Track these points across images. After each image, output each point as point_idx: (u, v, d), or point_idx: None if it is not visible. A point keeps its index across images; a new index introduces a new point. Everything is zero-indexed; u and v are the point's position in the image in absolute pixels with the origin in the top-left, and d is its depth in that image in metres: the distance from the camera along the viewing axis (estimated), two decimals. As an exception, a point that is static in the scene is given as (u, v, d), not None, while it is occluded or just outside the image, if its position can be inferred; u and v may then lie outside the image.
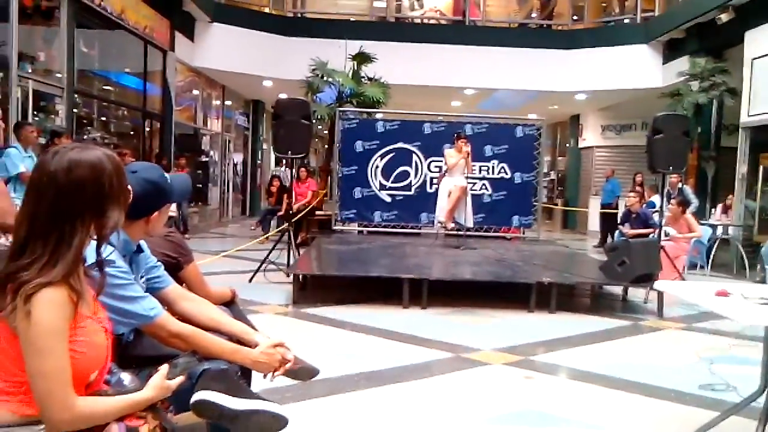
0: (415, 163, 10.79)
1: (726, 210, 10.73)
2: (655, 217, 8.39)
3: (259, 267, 7.55)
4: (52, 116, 8.51)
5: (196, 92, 15.03)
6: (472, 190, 9.79)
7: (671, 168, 7.36)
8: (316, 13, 16.79)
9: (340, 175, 10.79)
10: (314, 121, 11.97)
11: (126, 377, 1.72)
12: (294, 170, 10.01)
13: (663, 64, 13.53)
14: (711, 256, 9.20)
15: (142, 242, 2.19)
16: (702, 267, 8.96)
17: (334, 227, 10.74)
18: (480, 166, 10.60)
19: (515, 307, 6.45)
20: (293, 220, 8.82)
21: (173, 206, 11.04)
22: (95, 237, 1.54)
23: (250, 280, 7.43)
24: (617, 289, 7.48)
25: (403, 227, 10.75)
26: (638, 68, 13.74)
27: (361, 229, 10.94)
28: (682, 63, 12.10)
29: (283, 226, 9.02)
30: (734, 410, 3.25)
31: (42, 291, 1.41)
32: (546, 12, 18.19)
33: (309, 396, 3.73)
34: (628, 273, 6.45)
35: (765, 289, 3.07)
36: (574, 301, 7.18)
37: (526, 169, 10.77)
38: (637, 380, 4.28)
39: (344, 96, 12.08)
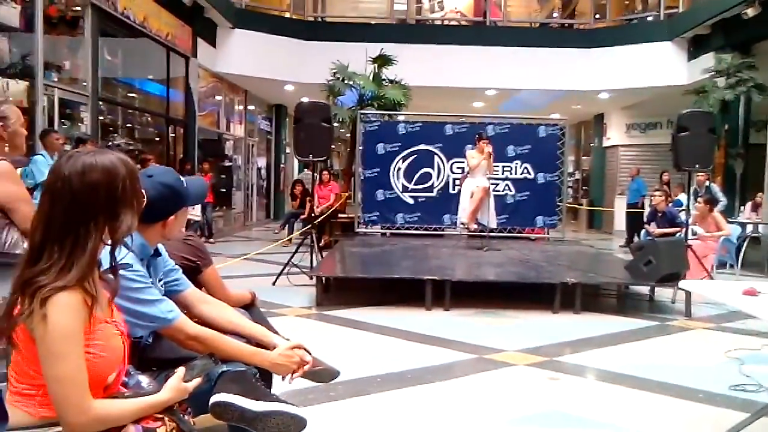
0: (437, 164, 10.75)
1: (755, 208, 10.53)
2: (682, 215, 8.26)
3: (283, 270, 7.57)
4: (78, 123, 8.63)
5: (218, 98, 15.16)
6: (495, 190, 9.74)
7: (697, 166, 7.25)
8: (337, 17, 16.84)
9: (362, 178, 10.78)
10: (336, 124, 12.04)
11: (144, 380, 1.73)
12: (316, 173, 10.03)
13: (688, 61, 13.33)
14: (741, 255, 9.02)
15: (160, 246, 2.19)
16: (732, 266, 8.78)
17: (357, 230, 10.74)
18: (503, 167, 10.53)
19: (539, 308, 6.39)
20: (315, 223, 8.84)
21: (198, 210, 11.22)
22: (109, 241, 1.54)
23: (274, 283, 7.46)
24: (644, 289, 7.37)
25: (425, 229, 10.71)
26: (662, 66, 13.55)
27: (383, 231, 10.91)
28: (708, 59, 11.92)
29: (305, 229, 9.03)
30: (766, 411, 3.17)
31: (57, 295, 1.42)
32: (567, 11, 18.06)
33: (332, 398, 3.72)
34: (654, 273, 6.35)
35: (795, 287, 3.00)
36: (599, 302, 7.09)
37: (550, 169, 10.67)
38: (664, 381, 4.21)
39: (365, 99, 12.09)
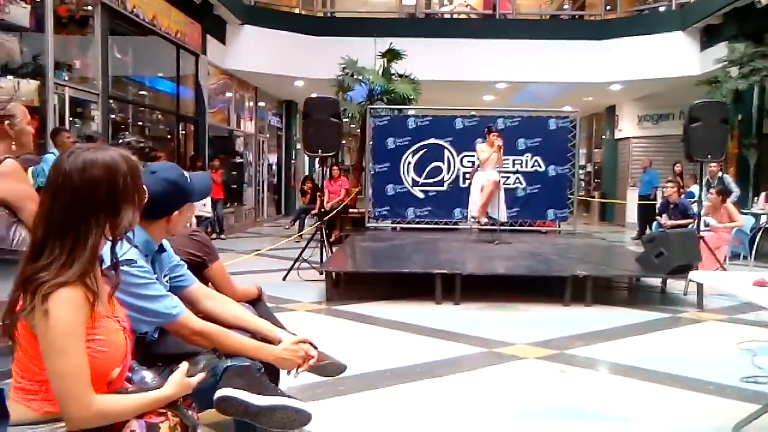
0: (448, 158, 10.73)
1: (769, 198, 10.43)
2: (694, 207, 8.20)
3: (293, 265, 7.59)
4: (89, 122, 8.68)
5: (228, 94, 15.20)
6: (505, 184, 9.71)
7: (709, 156, 7.20)
8: (346, 12, 16.83)
9: (372, 173, 10.78)
10: (346, 119, 12.03)
11: (148, 375, 1.74)
12: (326, 169, 10.04)
13: (700, 51, 13.19)
14: (754, 246, 8.93)
15: (165, 242, 2.20)
16: (745, 257, 8.70)
17: (368, 224, 10.75)
18: (513, 160, 10.49)
19: (550, 301, 6.37)
20: (326, 218, 8.85)
21: (209, 207, 11.26)
22: (110, 237, 1.54)
23: (284, 278, 7.48)
24: (656, 281, 7.32)
25: (436, 223, 10.70)
26: (675, 56, 13.43)
27: (394, 225, 10.91)
28: (720, 49, 11.78)
29: (315, 224, 9.05)
30: (776, 403, 3.15)
31: (59, 291, 1.43)
32: (578, 3, 17.93)
33: (341, 392, 3.73)
34: (665, 264, 6.31)
35: (805, 278, 2.97)
36: (610, 294, 7.05)
37: (561, 161, 10.62)
38: (676, 373, 4.18)
39: (375, 93, 12.08)
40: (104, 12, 8.65)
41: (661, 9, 15.04)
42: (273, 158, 18.69)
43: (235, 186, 15.38)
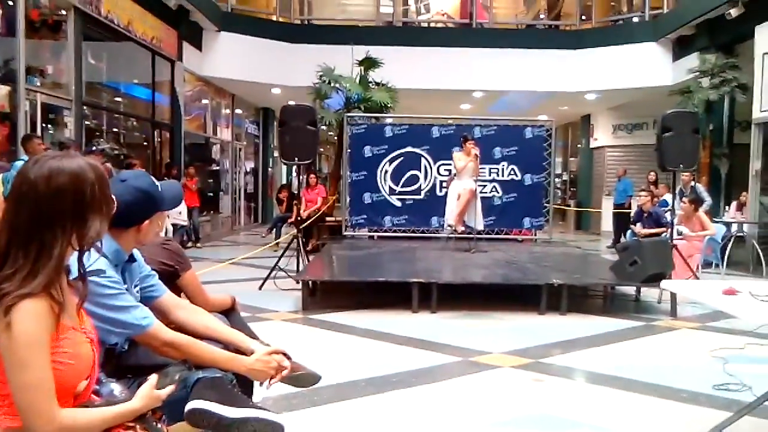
0: (425, 166, 10.75)
1: (740, 207, 10.60)
2: (668, 215, 8.29)
3: (269, 274, 7.54)
4: (62, 128, 8.56)
5: (205, 101, 15.09)
6: (482, 192, 9.74)
7: (682, 166, 7.29)
8: (323, 19, 16.82)
9: (349, 181, 10.76)
10: (323, 127, 12.00)
11: (116, 388, 1.70)
12: (302, 177, 10.00)
13: (673, 61, 13.40)
14: (726, 255, 9.07)
15: (136, 251, 2.17)
16: (717, 265, 8.83)
17: (345, 233, 10.72)
18: (489, 169, 10.54)
19: (526, 310, 6.40)
20: (302, 227, 8.81)
21: (184, 215, 11.16)
22: (76, 247, 1.51)
23: (260, 288, 7.43)
24: (630, 290, 7.39)
25: (413, 231, 10.70)
26: (648, 66, 13.63)
27: (371, 234, 10.90)
28: (692, 60, 11.98)
29: (292, 232, 9.00)
30: (747, 410, 3.18)
31: (22, 302, 1.39)
32: (553, 13, 18.11)
33: (315, 403, 3.70)
34: (639, 273, 6.37)
35: (775, 286, 3.01)
36: (586, 303, 7.10)
37: (537, 170, 10.68)
38: (649, 381, 4.22)
39: (352, 101, 12.07)
40: (78, 17, 8.55)
41: (635, 20, 15.26)
42: (250, 166, 18.59)
43: (212, 194, 15.26)
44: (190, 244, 11.94)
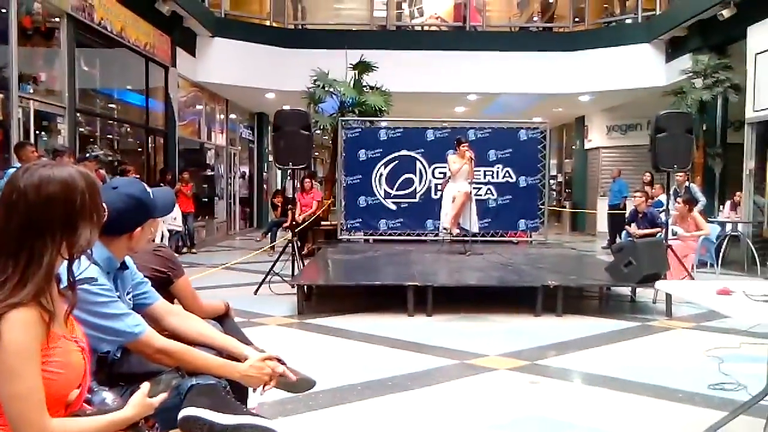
0: (419, 170, 10.75)
1: (734, 207, 10.63)
2: (662, 216, 8.31)
3: (264, 279, 7.52)
4: (56, 135, 8.55)
5: (199, 107, 15.08)
6: (476, 195, 9.75)
7: (676, 166, 7.30)
8: (317, 24, 16.86)
9: (344, 185, 10.76)
10: (318, 131, 12.00)
11: (109, 396, 1.69)
12: (296, 181, 10.00)
13: (666, 62, 13.46)
14: (721, 254, 9.10)
15: (128, 259, 2.16)
16: (712, 265, 8.85)
17: (340, 237, 10.72)
18: (484, 171, 10.54)
19: (522, 312, 6.39)
20: (297, 231, 8.81)
21: (179, 221, 11.14)
22: (66, 256, 1.51)
23: (256, 292, 7.42)
24: (626, 291, 7.41)
25: (408, 235, 10.71)
26: (641, 67, 13.68)
27: (366, 237, 10.90)
28: (685, 61, 12.04)
29: (287, 237, 9.00)
30: (741, 410, 3.19)
31: (11, 312, 1.38)
32: (547, 15, 18.17)
33: (311, 407, 3.70)
34: (634, 273, 6.38)
35: (768, 286, 3.02)
36: (581, 304, 7.11)
37: (532, 172, 10.70)
38: (645, 382, 4.22)
39: (346, 105, 12.09)
40: (70, 23, 8.54)
41: (628, 21, 15.33)
42: (245, 171, 18.58)
43: (207, 199, 15.25)
44: (185, 249, 11.92)
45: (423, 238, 10.72)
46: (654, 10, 14.34)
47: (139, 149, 12.14)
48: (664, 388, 4.09)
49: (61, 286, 1.58)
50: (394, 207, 10.76)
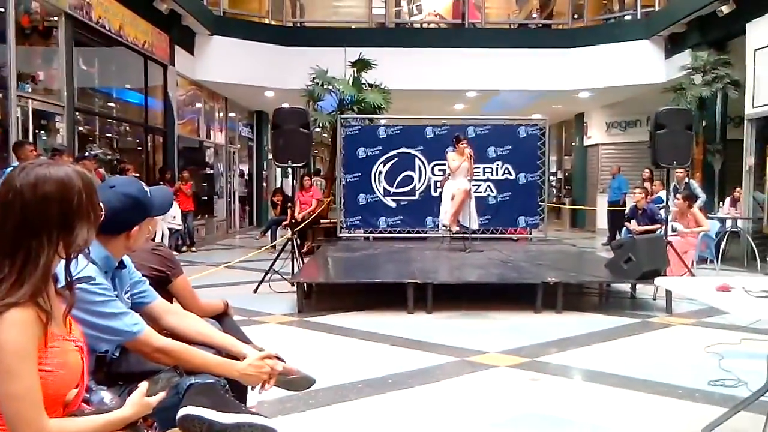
0: (419, 167, 10.75)
1: (734, 203, 10.63)
2: (662, 212, 8.30)
3: (264, 277, 7.52)
4: (54, 134, 8.54)
5: (198, 105, 15.07)
6: (476, 192, 9.74)
7: (675, 163, 7.29)
8: (316, 22, 16.82)
9: (343, 183, 10.76)
10: (317, 129, 11.99)
11: (107, 395, 1.69)
12: (296, 180, 9.99)
13: (665, 58, 13.45)
14: (721, 250, 9.10)
15: (126, 257, 2.16)
16: (712, 261, 8.84)
17: (340, 235, 10.72)
18: (484, 168, 10.55)
19: (522, 309, 6.39)
20: (297, 229, 8.80)
21: (179, 219, 11.14)
22: (63, 256, 1.50)
23: (255, 291, 7.41)
24: (626, 287, 7.40)
25: (408, 232, 10.71)
26: (640, 64, 13.67)
27: (366, 235, 10.90)
28: (684, 57, 12.03)
29: (286, 235, 8.99)
30: (742, 406, 3.19)
31: (8, 312, 1.38)
32: (546, 12, 18.13)
33: (311, 405, 3.69)
34: (634, 270, 6.37)
35: (767, 282, 3.01)
36: (581, 301, 7.10)
37: (531, 169, 10.70)
38: (645, 378, 4.22)
39: (345, 103, 12.08)
40: (68, 22, 8.53)
41: (627, 18, 15.31)
42: (244, 169, 18.57)
43: (206, 198, 15.25)
44: (184, 248, 11.92)
45: (423, 235, 10.72)
46: (653, 7, 14.31)
47: (139, 148, 12.13)
48: (664, 385, 4.08)
49: (59, 286, 1.57)
50: (393, 204, 10.76)
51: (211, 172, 15.93)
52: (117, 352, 2.11)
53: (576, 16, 16.09)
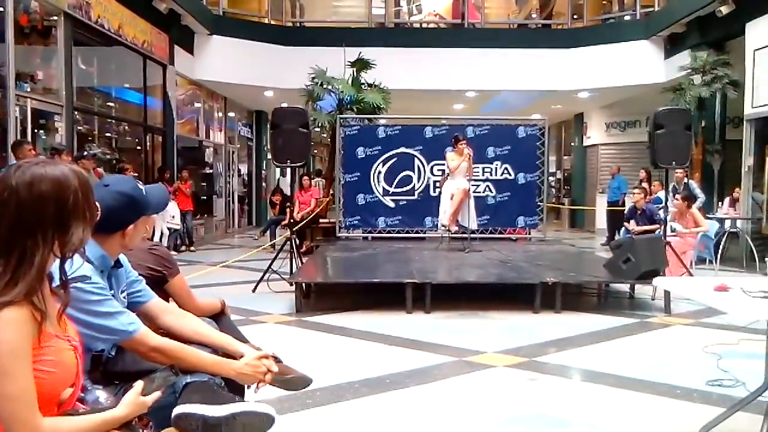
0: (418, 167, 10.75)
1: (733, 203, 10.63)
2: (661, 212, 8.30)
3: (262, 277, 7.52)
4: (53, 134, 8.53)
5: (197, 105, 15.06)
6: (475, 192, 9.74)
7: (674, 163, 7.29)
8: (315, 22, 16.81)
9: (342, 182, 10.76)
10: (317, 129, 11.97)
11: (102, 395, 1.68)
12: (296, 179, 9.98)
13: (665, 59, 13.44)
14: (720, 251, 9.10)
15: (122, 257, 2.15)
16: (711, 261, 8.84)
17: (339, 234, 10.71)
18: (483, 168, 10.55)
19: (520, 309, 6.39)
20: (295, 229, 8.79)
21: (177, 219, 11.13)
22: (58, 255, 1.49)
23: (254, 290, 7.41)
24: (624, 287, 7.40)
25: (407, 232, 10.71)
26: (640, 64, 13.66)
27: (365, 235, 10.90)
28: (684, 57, 12.03)
29: (285, 234, 8.99)
30: (739, 406, 3.18)
31: (2, 311, 1.37)
32: (545, 12, 18.13)
33: (308, 405, 3.69)
34: (633, 270, 6.37)
35: (765, 282, 3.00)
36: (580, 301, 7.10)
37: (530, 169, 10.70)
38: (643, 378, 4.22)
39: (344, 103, 12.07)
40: (68, 22, 8.53)
41: (627, 18, 15.32)
42: (244, 169, 18.56)
43: (205, 197, 15.24)
44: (183, 247, 11.92)
45: (422, 235, 10.71)
46: (652, 7, 14.31)
47: (138, 147, 12.12)
48: (662, 385, 4.08)
49: (54, 285, 1.56)
50: (392, 204, 10.76)
51: (210, 171, 15.93)
52: (113, 352, 2.11)
53: (575, 17, 16.09)
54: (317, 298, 7.08)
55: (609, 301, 7.25)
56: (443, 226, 9.34)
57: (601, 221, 15.63)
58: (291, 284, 6.70)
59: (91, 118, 10.38)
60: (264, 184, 19.47)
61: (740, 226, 9.93)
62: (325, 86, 11.97)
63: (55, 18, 8.46)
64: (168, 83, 12.31)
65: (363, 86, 12.29)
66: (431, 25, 17.76)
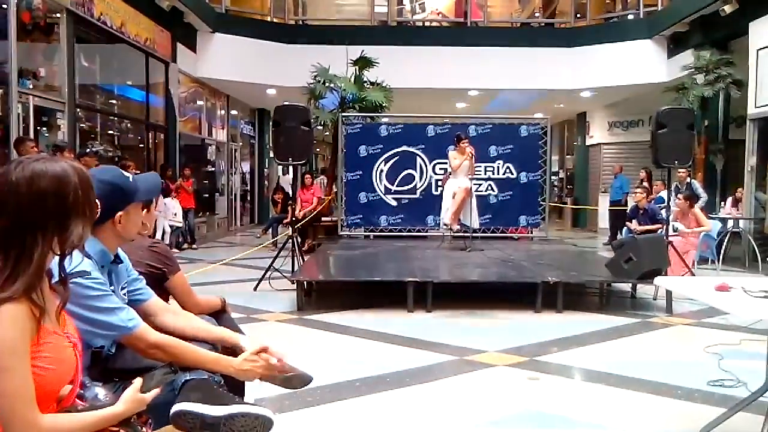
0: (420, 166, 10.75)
1: (736, 203, 10.59)
2: (663, 212, 8.28)
3: (264, 275, 7.52)
4: (55, 131, 8.54)
5: (200, 103, 15.07)
6: (477, 191, 9.73)
7: (677, 162, 7.26)
8: (318, 20, 16.80)
9: (344, 181, 10.75)
10: (319, 127, 11.97)
11: (101, 392, 1.68)
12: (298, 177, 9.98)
13: (668, 58, 13.40)
14: (722, 250, 9.07)
15: (122, 254, 2.15)
16: (713, 261, 8.82)
17: (340, 233, 10.71)
18: (485, 167, 10.54)
19: (522, 308, 6.38)
20: (297, 227, 8.80)
21: (180, 216, 11.13)
22: (57, 251, 1.49)
23: (255, 288, 7.41)
24: (626, 287, 7.39)
25: (409, 231, 10.70)
26: (643, 63, 13.63)
27: (367, 233, 10.89)
28: (687, 56, 12.00)
29: (287, 233, 8.99)
30: (740, 406, 3.17)
31: (1, 307, 1.37)
32: (548, 11, 18.11)
33: (309, 403, 3.69)
34: (635, 270, 6.36)
35: (766, 282, 2.99)
36: (582, 300, 7.09)
37: (532, 168, 10.69)
38: (644, 378, 4.21)
39: (347, 101, 12.07)
40: (70, 19, 8.53)
41: (630, 17, 15.28)
42: (246, 167, 18.57)
43: (207, 195, 15.24)
44: (185, 245, 11.92)
45: (423, 234, 10.71)
46: (655, 6, 14.26)
47: (140, 145, 12.12)
48: (663, 385, 4.08)
49: (53, 281, 1.56)
50: (394, 203, 10.76)
51: (213, 169, 15.93)
52: (113, 348, 2.11)
53: (578, 16, 16.05)
54: (319, 297, 7.08)
55: (611, 301, 7.23)
56: (445, 224, 9.33)
57: (604, 221, 15.60)
58: (292, 282, 6.70)
59: (94, 115, 10.37)
60: (266, 182, 19.49)
61: (743, 226, 9.91)
62: (327, 84, 11.97)
63: (58, 15, 8.46)
64: (170, 81, 12.31)
65: (365, 84, 12.29)
66: (434, 24, 17.75)
